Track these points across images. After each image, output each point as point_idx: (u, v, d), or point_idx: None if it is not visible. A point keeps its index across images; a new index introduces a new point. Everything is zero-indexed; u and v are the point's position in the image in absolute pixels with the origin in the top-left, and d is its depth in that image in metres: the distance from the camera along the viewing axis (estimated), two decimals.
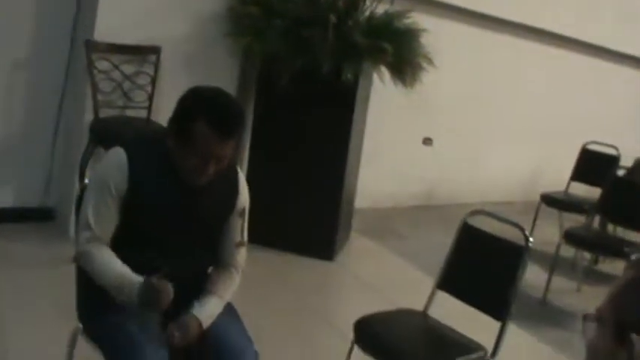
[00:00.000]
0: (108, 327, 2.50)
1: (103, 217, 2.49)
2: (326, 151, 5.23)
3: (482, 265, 3.22)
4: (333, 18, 4.92)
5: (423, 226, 6.87)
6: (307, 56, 4.88)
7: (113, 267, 2.47)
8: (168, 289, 2.38)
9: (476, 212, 3.33)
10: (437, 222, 6.80)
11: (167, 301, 2.38)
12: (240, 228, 2.72)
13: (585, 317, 1.16)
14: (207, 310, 2.55)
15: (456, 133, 7.32)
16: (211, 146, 2.38)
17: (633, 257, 4.87)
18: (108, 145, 2.71)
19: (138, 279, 2.42)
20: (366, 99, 5.56)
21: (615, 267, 6.09)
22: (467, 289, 3.21)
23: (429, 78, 5.42)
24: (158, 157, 2.50)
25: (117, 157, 2.49)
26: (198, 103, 2.43)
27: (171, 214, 2.52)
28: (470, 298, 3.17)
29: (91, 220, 2.48)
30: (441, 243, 3.69)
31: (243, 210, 2.72)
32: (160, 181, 2.50)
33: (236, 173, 2.70)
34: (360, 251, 5.79)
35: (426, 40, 5.32)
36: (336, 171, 5.27)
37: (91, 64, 4.68)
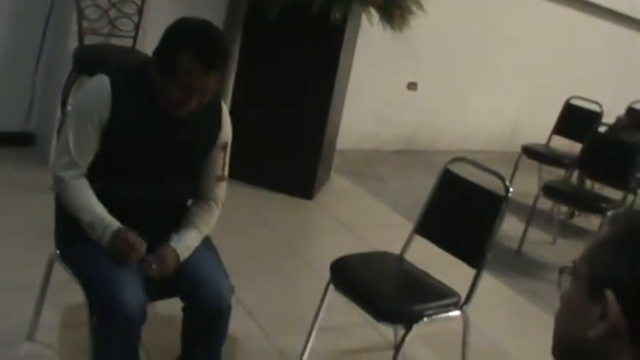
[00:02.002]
0: (85, 256, 2.50)
1: (82, 143, 2.48)
2: (311, 89, 5.20)
3: (461, 212, 3.23)
4: None
5: (403, 170, 6.89)
6: None
7: (87, 202, 2.48)
8: (140, 246, 2.41)
9: (457, 159, 3.34)
10: (417, 167, 6.83)
11: (136, 258, 2.41)
12: (221, 162, 2.72)
13: (562, 270, 1.17)
14: (185, 243, 2.56)
15: (441, 79, 7.30)
16: (195, 78, 2.36)
17: (610, 213, 4.94)
18: (91, 72, 2.68)
19: (111, 223, 2.44)
20: (354, 40, 5.52)
21: (590, 222, 6.17)
22: (444, 236, 3.23)
23: (417, 23, 5.39)
24: (141, 87, 2.49)
25: (100, 85, 2.46)
26: (184, 34, 2.41)
27: (151, 145, 2.51)
28: (446, 244, 3.19)
29: (71, 146, 2.47)
30: (421, 188, 3.71)
31: (225, 144, 2.71)
32: (142, 111, 2.48)
33: (219, 107, 2.69)
34: (339, 192, 5.81)
35: None
36: (320, 110, 5.26)
37: None
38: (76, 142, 2.47)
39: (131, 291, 2.36)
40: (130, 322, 2.35)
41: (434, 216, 3.31)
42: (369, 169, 6.55)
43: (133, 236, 2.41)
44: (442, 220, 3.29)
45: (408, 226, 3.43)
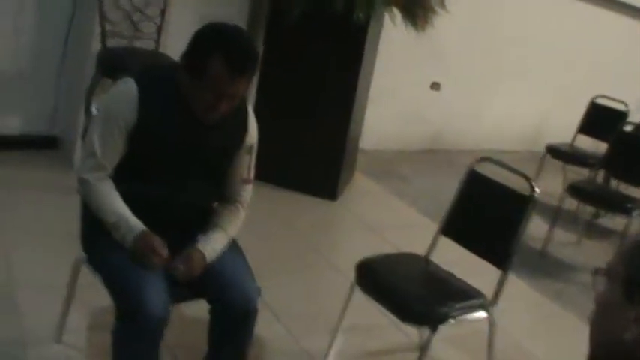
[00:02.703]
0: (110, 258, 2.51)
1: (108, 146, 2.48)
2: (334, 90, 5.20)
3: (486, 213, 3.22)
4: None
5: (427, 170, 6.87)
6: None
7: (112, 204, 2.48)
8: (162, 251, 2.40)
9: (483, 159, 3.32)
10: (441, 167, 6.81)
11: (159, 262, 2.41)
12: (247, 165, 2.73)
13: (595, 272, 1.16)
14: (211, 245, 2.56)
15: (464, 79, 7.27)
16: (225, 83, 2.36)
17: (636, 213, 4.89)
18: (114, 75, 2.69)
19: (135, 226, 2.44)
20: (377, 40, 5.51)
21: (616, 222, 6.11)
22: (469, 236, 3.22)
23: (440, 22, 5.37)
24: (169, 90, 2.49)
25: (127, 87, 2.47)
26: (215, 39, 2.40)
27: (178, 148, 2.51)
28: (472, 245, 3.18)
29: (97, 148, 2.48)
30: (445, 188, 3.70)
31: (251, 147, 2.71)
32: (170, 115, 2.48)
33: (246, 110, 2.69)
34: (363, 192, 5.80)
35: None
36: (344, 111, 5.25)
37: None
38: (102, 145, 2.48)
39: (154, 292, 2.37)
40: (152, 323, 2.35)
41: (459, 216, 3.30)
42: (393, 170, 6.54)
43: (156, 240, 2.42)
44: (467, 220, 3.28)
45: (433, 227, 3.42)
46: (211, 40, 2.41)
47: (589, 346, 1.14)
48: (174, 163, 2.54)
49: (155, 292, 2.37)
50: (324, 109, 5.24)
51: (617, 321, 1.07)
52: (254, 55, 2.47)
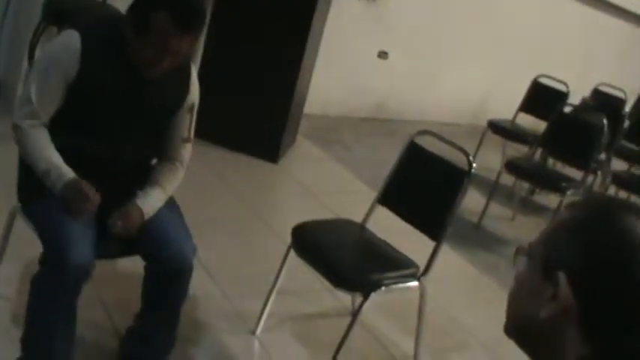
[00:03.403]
0: (43, 207, 2.49)
1: (46, 95, 2.47)
2: (282, 52, 5.19)
3: (424, 184, 3.26)
4: None
5: (369, 138, 6.92)
6: None
7: (44, 151, 2.47)
8: (93, 196, 2.40)
9: (423, 132, 3.36)
10: (384, 136, 6.86)
11: (89, 208, 2.40)
12: (187, 124, 2.73)
13: (517, 250, 1.21)
14: (149, 201, 2.56)
15: (412, 49, 7.31)
16: (169, 39, 2.35)
17: (570, 192, 5.01)
18: (60, 25, 2.65)
19: (66, 173, 2.42)
20: (327, 6, 5.51)
21: (550, 200, 6.26)
22: (406, 207, 3.26)
23: None
24: (112, 43, 2.46)
25: (70, 39, 2.44)
26: None
27: (118, 102, 2.50)
28: (408, 215, 3.23)
29: (33, 97, 2.46)
30: (386, 157, 3.74)
31: (192, 106, 2.71)
32: (112, 68, 2.46)
33: (189, 69, 2.68)
34: (304, 157, 5.82)
35: None
36: (290, 74, 5.25)
37: None
38: (39, 94, 2.46)
39: (80, 241, 2.35)
40: (72, 270, 2.33)
41: (397, 187, 3.34)
42: (336, 136, 6.57)
43: (86, 186, 2.40)
44: (405, 191, 3.32)
45: (372, 195, 3.46)
46: None
47: (505, 320, 1.20)
48: (114, 117, 2.53)
49: (81, 241, 2.36)
50: (270, 72, 5.23)
51: (534, 299, 1.12)
52: (201, 13, 2.45)
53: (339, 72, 6.75)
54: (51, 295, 2.41)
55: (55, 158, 2.45)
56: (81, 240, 2.36)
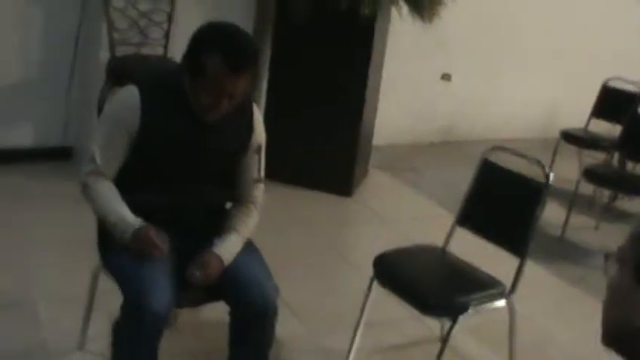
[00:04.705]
0: (119, 259, 2.52)
1: (109, 151, 2.52)
2: (344, 86, 5.19)
3: (502, 201, 3.20)
4: None
5: (440, 162, 6.85)
6: None
7: (110, 204, 2.50)
8: (162, 243, 2.41)
9: (495, 148, 3.31)
10: (455, 158, 6.78)
11: (158, 254, 2.41)
12: (257, 165, 2.73)
13: (607, 256, 1.16)
14: (227, 248, 2.57)
15: (474, 68, 7.23)
16: (224, 81, 2.37)
17: None
18: (124, 83, 2.71)
19: (133, 222, 2.45)
20: (385, 34, 5.50)
21: (634, 205, 6.08)
22: (486, 226, 3.21)
23: (446, 12, 5.34)
24: (171, 93, 2.50)
25: (129, 94, 2.49)
26: (211, 38, 2.42)
27: (183, 150, 2.53)
28: (488, 234, 3.17)
29: (96, 154, 2.52)
30: (459, 179, 3.68)
31: (259, 147, 2.72)
32: (173, 118, 2.49)
33: (251, 110, 2.69)
34: (378, 187, 5.79)
35: None
36: (354, 106, 5.25)
37: (106, 2, 4.65)
38: (103, 151, 2.51)
39: (158, 290, 2.37)
40: (151, 319, 2.34)
41: (474, 206, 3.29)
42: (407, 163, 6.52)
43: (153, 233, 2.42)
44: (483, 210, 3.27)
45: (449, 218, 3.41)
46: (208, 39, 2.42)
47: (601, 330, 1.14)
48: (180, 166, 2.56)
49: (158, 288, 2.38)
50: (335, 106, 5.23)
51: (628, 305, 1.07)
52: (252, 53, 2.47)
53: (404, 99, 6.72)
54: (131, 342, 2.44)
55: (122, 209, 2.48)
56: (158, 287, 2.38)
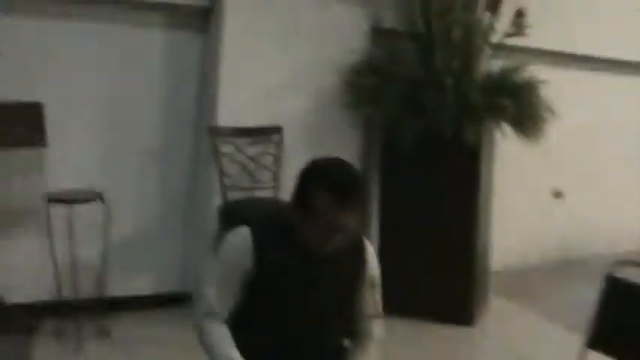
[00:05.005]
0: None
1: (222, 293, 2.52)
2: (455, 212, 5.14)
3: (636, 317, 3.04)
4: (449, 79, 4.91)
5: (562, 282, 6.61)
6: (427, 119, 4.87)
7: (221, 347, 2.48)
8: None
9: (622, 263, 3.17)
10: (576, 277, 6.54)
11: None
12: (373, 299, 2.69)
13: None
14: None
15: (586, 182, 7.07)
16: (334, 215, 2.37)
17: None
18: (237, 225, 2.75)
19: None
20: (491, 157, 5.46)
21: None
22: (621, 346, 3.04)
23: (552, 129, 5.29)
24: (282, 232, 2.52)
25: (241, 235, 2.52)
26: (317, 174, 2.44)
27: (297, 288, 2.51)
28: (626, 355, 3.00)
29: (210, 296, 2.53)
30: (584, 299, 3.53)
31: (374, 281, 2.68)
32: (285, 256, 2.50)
33: (362, 243, 2.68)
34: (500, 315, 5.60)
35: (546, 91, 5.22)
36: (468, 232, 5.17)
37: (215, 149, 4.80)
38: (217, 293, 2.52)
39: None
40: None
41: (605, 326, 3.13)
42: (527, 286, 6.33)
43: None
44: (615, 329, 3.10)
45: (577, 341, 3.25)
46: (315, 175, 2.45)
47: None
48: (296, 304, 2.53)
49: None
50: (447, 234, 5.16)
51: None
52: (359, 185, 2.47)
53: (519, 220, 6.59)
54: None
55: (233, 352, 2.46)
56: None
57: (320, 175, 2.44)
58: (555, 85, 5.32)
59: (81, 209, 4.42)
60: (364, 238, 2.71)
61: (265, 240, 2.50)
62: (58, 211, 4.41)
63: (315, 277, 2.52)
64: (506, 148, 5.45)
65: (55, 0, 4.65)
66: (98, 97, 4.87)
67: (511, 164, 6.11)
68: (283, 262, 2.49)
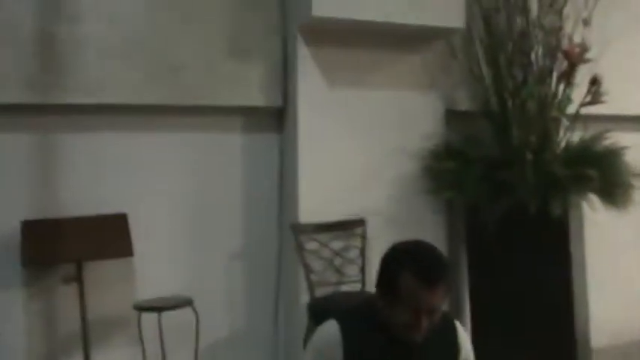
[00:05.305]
0: None
1: None
2: (548, 290, 4.96)
3: None
4: (529, 155, 4.84)
5: None
6: (510, 198, 4.78)
7: None
8: None
9: None
10: None
11: None
12: None
13: None
14: None
15: None
16: (420, 297, 2.34)
17: None
18: (325, 320, 2.74)
19: None
20: (581, 229, 5.30)
21: None
22: None
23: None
24: (370, 323, 2.50)
25: (330, 328, 2.52)
26: (399, 258, 2.44)
27: None
28: None
29: None
30: None
31: None
32: (374, 347, 2.47)
33: (453, 327, 2.64)
34: None
35: (631, 157, 5.08)
36: (563, 310, 4.98)
37: (299, 246, 4.81)
38: None
39: None
40: None
41: None
42: None
43: None
44: None
45: None
46: (397, 259, 2.44)
47: None
48: None
49: None
50: (541, 313, 4.97)
51: None
52: (443, 265, 2.45)
53: (618, 292, 6.35)
54: None
55: None
56: None
57: (402, 258, 2.43)
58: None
59: (170, 316, 4.44)
60: (456, 322, 2.67)
61: (354, 332, 2.48)
62: (149, 318, 4.45)
63: None
64: (598, 220, 5.29)
65: (138, 112, 4.84)
66: (182, 203, 5.00)
67: (607, 235, 5.94)
68: (373, 353, 2.45)
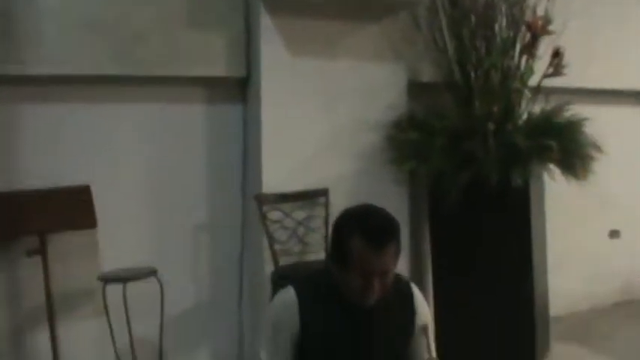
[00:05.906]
0: None
1: (275, 355, 2.51)
2: (509, 260, 5.02)
3: None
4: (491, 126, 4.88)
5: (627, 323, 6.44)
6: (473, 169, 4.82)
7: None
8: None
9: None
10: None
11: None
12: (426, 346, 2.67)
13: None
14: None
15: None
16: (370, 260, 2.37)
17: None
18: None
19: None
20: (541, 200, 5.38)
21: None
22: None
23: (600, 167, 5.21)
24: (325, 289, 2.52)
25: (287, 295, 2.54)
26: (348, 222, 2.46)
27: (348, 344, 2.50)
28: None
29: (264, 359, 2.51)
30: None
31: (425, 327, 2.67)
32: (331, 312, 2.50)
33: (410, 291, 2.67)
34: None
35: (591, 129, 5.15)
36: (523, 279, 5.05)
37: (263, 216, 4.81)
38: (270, 355, 2.51)
39: None
40: None
41: None
42: (593, 329, 6.16)
43: None
44: None
45: None
46: (346, 224, 2.46)
47: None
48: (348, 358, 2.50)
49: None
50: (502, 284, 5.04)
51: None
52: (392, 226, 2.47)
53: (575, 263, 6.46)
54: None
55: None
56: None
57: (352, 222, 2.45)
58: (600, 123, 5.25)
59: (135, 286, 4.44)
60: (412, 285, 2.70)
61: (309, 298, 2.51)
62: (114, 289, 4.44)
63: (364, 332, 2.50)
64: (558, 190, 5.36)
65: (100, 84, 4.78)
66: (145, 175, 4.98)
67: (565, 206, 6.02)
68: (328, 319, 2.49)
